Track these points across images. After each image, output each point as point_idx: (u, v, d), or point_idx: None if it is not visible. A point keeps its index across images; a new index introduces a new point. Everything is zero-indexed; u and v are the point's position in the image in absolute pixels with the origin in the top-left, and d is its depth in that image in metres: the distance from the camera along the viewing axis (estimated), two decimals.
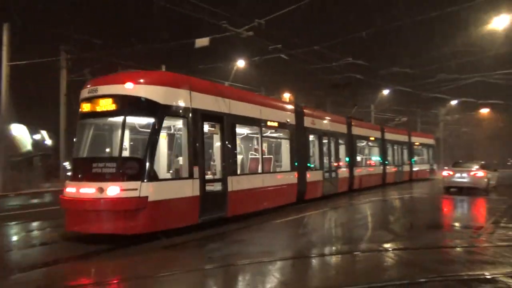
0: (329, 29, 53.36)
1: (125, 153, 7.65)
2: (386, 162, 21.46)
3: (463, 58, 27.05)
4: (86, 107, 7.64)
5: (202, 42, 13.76)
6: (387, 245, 7.14)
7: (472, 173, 16.63)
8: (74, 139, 7.96)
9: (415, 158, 26.97)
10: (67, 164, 19.09)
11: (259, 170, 10.60)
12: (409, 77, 35.52)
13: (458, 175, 16.84)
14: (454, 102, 49.54)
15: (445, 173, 17.48)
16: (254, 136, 11.53)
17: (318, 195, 13.58)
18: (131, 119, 7.63)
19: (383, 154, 21.26)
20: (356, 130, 17.85)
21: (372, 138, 20.04)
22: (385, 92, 40.86)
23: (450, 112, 54.76)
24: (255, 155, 11.24)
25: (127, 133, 7.84)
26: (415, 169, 26.12)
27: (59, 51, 20.57)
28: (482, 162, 18.57)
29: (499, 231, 8.26)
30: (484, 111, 57.62)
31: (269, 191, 10.54)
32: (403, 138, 24.59)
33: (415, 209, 12.79)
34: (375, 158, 20.63)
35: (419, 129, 44.31)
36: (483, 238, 7.72)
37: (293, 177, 11.91)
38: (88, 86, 7.71)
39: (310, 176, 12.96)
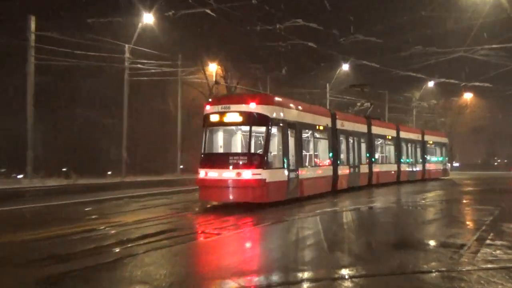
0: None
1: (252, 150, 16.01)
2: (401, 160, 30.14)
3: (444, 27, 28.45)
4: (216, 118, 16.37)
5: None
6: (343, 272, 7.27)
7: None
8: (203, 140, 16.64)
9: (428, 157, 35.81)
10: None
11: (319, 163, 20.42)
12: (376, 49, 36.90)
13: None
14: (431, 84, 52.60)
15: None
16: (310, 138, 19.78)
17: (344, 186, 22.45)
18: (254, 128, 16.13)
19: (398, 152, 29.99)
20: (375, 130, 26.94)
21: (389, 137, 29.13)
22: (345, 67, 42.14)
23: (426, 97, 58.03)
24: (316, 152, 20.32)
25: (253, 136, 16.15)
26: (428, 168, 34.93)
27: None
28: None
29: (484, 249, 8.76)
30: (468, 96, 61.93)
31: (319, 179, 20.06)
32: (417, 136, 34.21)
33: (387, 221, 13.56)
34: (391, 156, 29.47)
35: (387, 117, 46.68)
36: (465, 259, 8.12)
37: (330, 170, 21.28)
38: (217, 103, 16.59)
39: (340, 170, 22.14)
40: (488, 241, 9.53)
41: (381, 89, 49.93)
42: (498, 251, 8.65)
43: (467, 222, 13.64)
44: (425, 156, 35.34)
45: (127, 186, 24.89)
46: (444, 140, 40.55)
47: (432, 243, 10.01)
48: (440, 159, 38.79)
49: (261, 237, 11.22)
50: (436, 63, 30.54)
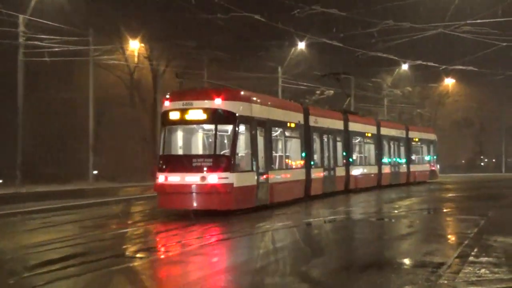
0: None
1: (218, 151, 17.62)
2: (382, 161, 32.77)
3: None
4: (176, 115, 17.78)
5: None
6: None
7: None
8: (161, 140, 18.18)
9: (414, 156, 38.63)
10: None
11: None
12: (338, 24, 37.48)
13: None
14: (405, 67, 54.00)
15: None
16: (281, 136, 21.53)
17: (319, 192, 24.46)
18: (220, 126, 17.57)
19: (379, 152, 32.48)
20: (352, 126, 28.98)
21: (368, 134, 31.49)
22: (300, 46, 42.61)
23: (400, 83, 59.50)
24: (287, 153, 22.01)
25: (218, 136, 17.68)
26: (413, 170, 37.53)
27: None
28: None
29: (467, 268, 9.10)
30: (449, 82, 63.98)
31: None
32: (400, 133, 36.42)
33: (356, 237, 13.98)
34: (371, 156, 31.96)
35: (353, 108, 47.84)
36: (444, 280, 8.38)
37: (303, 173, 23.30)
38: (177, 99, 18.08)
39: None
40: (471, 258, 9.91)
41: (346, 73, 50.72)
42: (483, 270, 8.99)
43: (448, 236, 14.13)
44: (410, 156, 37.67)
45: (24, 199, 24.25)
46: (432, 137, 42.84)
47: (406, 262, 10.31)
48: (428, 159, 41.23)
49: (199, 259, 11.24)
50: (411, 42, 31.25)
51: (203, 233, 14.27)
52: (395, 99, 60.82)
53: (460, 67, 36.59)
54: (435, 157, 42.40)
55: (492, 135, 71.91)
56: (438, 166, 44.01)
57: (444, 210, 20.93)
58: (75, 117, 39.74)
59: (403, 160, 36.34)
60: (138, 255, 11.34)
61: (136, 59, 41.54)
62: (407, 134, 37.38)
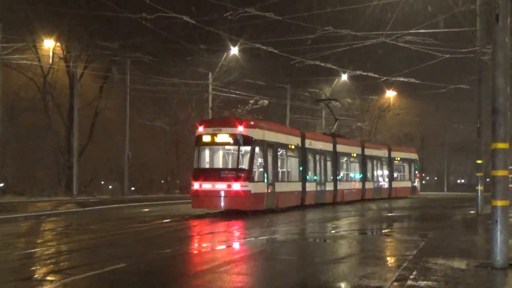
0: None
1: (241, 166, 25.69)
2: (367, 178, 41.15)
3: (361, 2, 29.77)
4: (208, 138, 26.10)
5: None
6: None
7: None
8: (196, 156, 26.45)
9: (396, 174, 47.09)
10: None
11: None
12: (274, 28, 37.80)
13: None
14: (344, 77, 54.93)
15: None
16: (284, 156, 29.53)
17: (312, 202, 32.59)
18: (241, 147, 25.88)
19: (363, 169, 40.70)
20: (340, 148, 37.34)
21: (354, 155, 39.72)
22: (233, 51, 42.63)
23: (339, 94, 60.41)
24: (288, 169, 30.22)
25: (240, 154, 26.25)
26: (395, 186, 45.86)
27: None
28: None
29: None
30: (391, 94, 65.56)
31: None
32: (383, 153, 44.81)
33: (290, 258, 13.99)
34: (356, 174, 40.10)
35: (288, 119, 48.55)
36: None
37: (300, 186, 31.20)
38: (208, 126, 26.70)
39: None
40: (410, 282, 10.06)
41: (281, 82, 51.19)
42: None
43: (387, 258, 14.35)
44: (392, 173, 46.33)
45: None
46: (413, 156, 51.12)
47: (342, 286, 10.38)
48: (408, 176, 49.41)
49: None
50: (351, 51, 31.87)
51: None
52: (335, 111, 61.64)
53: (402, 78, 37.39)
54: (416, 174, 50.23)
55: (434, 152, 73.82)
56: (417, 182, 51.43)
57: (385, 231, 21.41)
58: None
59: (385, 177, 44.90)
60: (48, 278, 11.00)
61: (51, 60, 40.60)
62: (389, 154, 45.74)
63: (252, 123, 26.87)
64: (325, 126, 59.60)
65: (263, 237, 18.19)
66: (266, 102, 44.25)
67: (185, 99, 51.36)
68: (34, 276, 11.13)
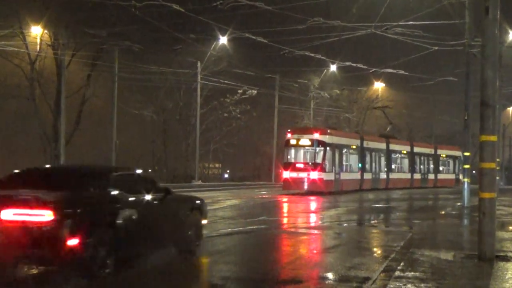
0: None
1: (317, 161, 38.35)
2: (415, 170, 52.15)
3: None
4: (294, 142, 39.10)
5: None
6: None
7: None
8: (286, 154, 39.82)
9: (441, 168, 58.36)
10: None
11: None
12: (263, 18, 37.73)
13: None
14: (333, 68, 55.00)
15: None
16: (347, 153, 42.28)
17: (368, 187, 44.13)
18: (317, 148, 38.70)
19: (412, 164, 51.66)
20: (392, 146, 48.11)
21: (404, 152, 50.81)
22: (222, 40, 42.59)
23: (328, 85, 60.50)
24: (350, 163, 43.04)
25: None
26: (439, 177, 56.78)
27: None
28: None
29: (393, 284, 9.29)
30: (379, 86, 65.70)
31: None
32: (429, 150, 56.08)
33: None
34: (405, 167, 51.39)
35: (276, 110, 48.77)
36: None
37: (359, 175, 43.71)
38: (294, 133, 39.97)
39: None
40: (397, 273, 10.14)
41: (270, 73, 51.11)
42: (409, 285, 9.18)
43: (374, 249, 14.44)
44: (438, 167, 57.16)
45: None
46: (457, 153, 56.35)
47: (329, 276, 10.47)
48: (452, 170, 59.50)
49: None
50: (340, 42, 31.92)
51: None
52: (322, 102, 61.77)
53: (390, 70, 37.55)
54: (459, 168, 54.78)
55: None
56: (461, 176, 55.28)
57: (366, 223, 21.70)
58: None
59: (431, 170, 55.44)
60: None
61: (38, 47, 40.33)
62: (435, 151, 56.51)
63: (324, 130, 38.88)
64: (313, 118, 59.77)
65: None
66: (254, 92, 44.30)
67: (173, 88, 51.26)
68: None
